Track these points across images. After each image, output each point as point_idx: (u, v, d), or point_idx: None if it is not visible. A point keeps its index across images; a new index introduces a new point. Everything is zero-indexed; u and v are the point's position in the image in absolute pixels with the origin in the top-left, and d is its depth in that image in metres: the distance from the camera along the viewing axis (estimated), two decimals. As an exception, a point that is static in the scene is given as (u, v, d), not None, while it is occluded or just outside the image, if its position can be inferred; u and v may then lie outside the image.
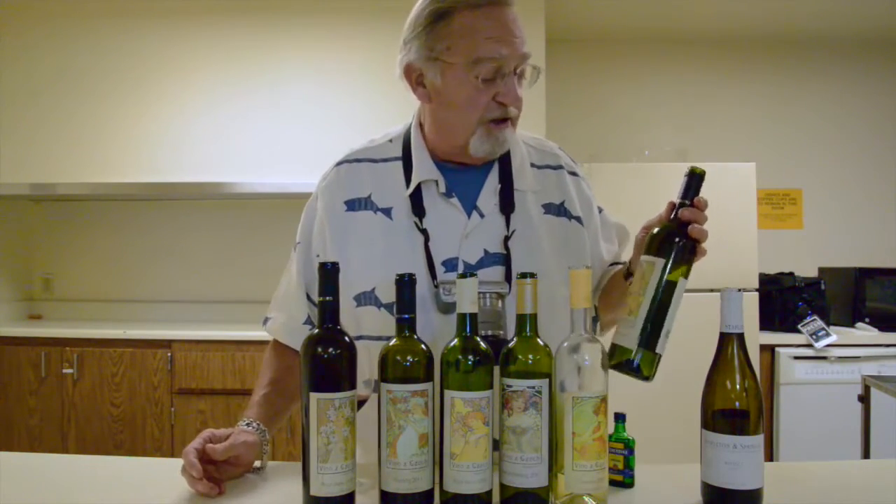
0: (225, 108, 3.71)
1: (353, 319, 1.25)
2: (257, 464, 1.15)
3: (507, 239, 1.23)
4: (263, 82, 3.71)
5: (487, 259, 1.22)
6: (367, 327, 1.25)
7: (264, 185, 3.53)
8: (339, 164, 1.33)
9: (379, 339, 1.23)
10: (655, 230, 1.07)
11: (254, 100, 3.70)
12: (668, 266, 1.04)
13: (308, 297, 1.31)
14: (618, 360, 1.04)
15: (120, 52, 3.74)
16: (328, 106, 3.69)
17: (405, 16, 1.24)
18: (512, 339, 1.00)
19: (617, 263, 1.37)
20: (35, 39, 3.76)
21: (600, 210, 1.39)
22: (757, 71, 4.36)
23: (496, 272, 1.22)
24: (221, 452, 1.06)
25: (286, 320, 1.34)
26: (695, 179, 1.08)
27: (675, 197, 1.09)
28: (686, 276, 1.05)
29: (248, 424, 1.16)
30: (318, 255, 1.30)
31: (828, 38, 4.31)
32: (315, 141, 3.64)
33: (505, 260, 1.22)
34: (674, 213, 1.08)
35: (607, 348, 1.03)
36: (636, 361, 1.03)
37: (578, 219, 1.31)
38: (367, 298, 1.24)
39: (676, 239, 1.05)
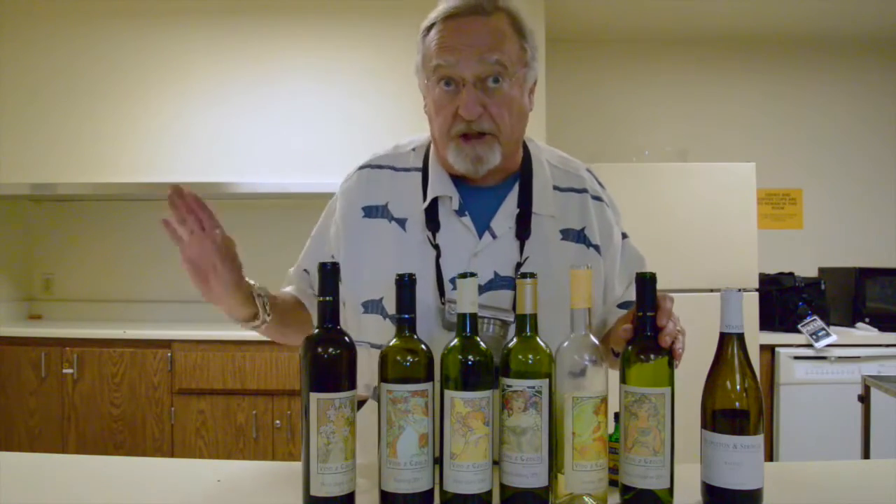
0: (225, 108, 3.71)
1: (356, 324, 1.25)
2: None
3: (519, 265, 1.21)
4: (263, 82, 3.70)
5: (497, 282, 1.21)
6: (371, 334, 1.25)
7: (264, 185, 3.53)
8: (361, 167, 1.33)
9: (380, 347, 1.22)
10: (631, 349, 1.00)
11: (254, 100, 3.70)
12: (674, 391, 0.99)
13: (306, 272, 1.37)
14: None
15: (120, 52, 3.74)
16: (329, 106, 3.68)
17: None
18: (512, 339, 1.00)
19: (629, 303, 1.32)
20: (35, 39, 3.76)
21: (625, 236, 1.35)
22: (757, 71, 4.36)
23: (504, 297, 1.20)
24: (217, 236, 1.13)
25: (289, 282, 1.40)
26: (647, 285, 1.01)
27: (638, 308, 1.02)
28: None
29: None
30: (332, 256, 1.31)
31: (828, 38, 4.31)
32: (315, 141, 3.64)
33: (514, 286, 1.20)
34: (643, 327, 1.01)
35: (621, 468, 0.99)
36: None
37: (597, 247, 1.28)
38: (374, 307, 1.24)
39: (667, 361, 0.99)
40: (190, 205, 1.11)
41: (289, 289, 1.38)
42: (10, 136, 3.72)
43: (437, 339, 1.16)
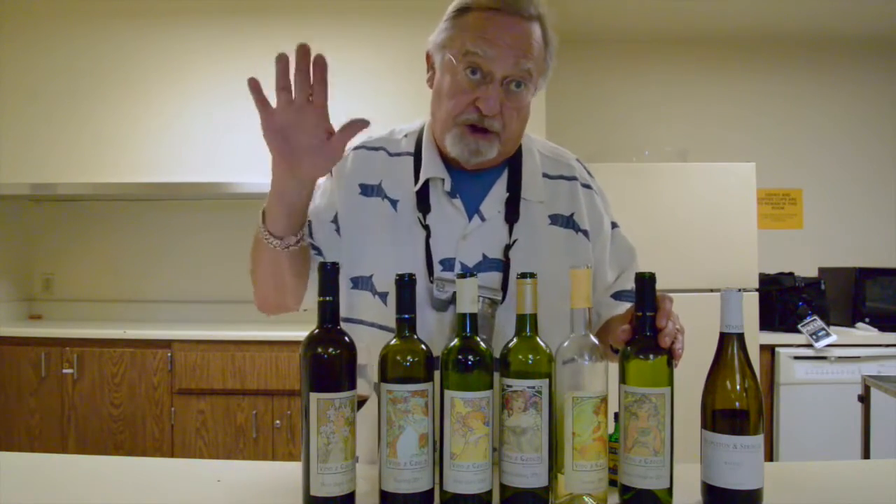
0: (225, 108, 3.70)
1: (344, 301, 1.24)
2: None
3: (508, 248, 1.23)
4: (263, 83, 3.69)
5: (486, 264, 1.22)
6: (360, 312, 1.26)
7: (265, 185, 3.51)
8: (356, 147, 1.33)
9: (372, 325, 1.24)
10: (630, 349, 1.00)
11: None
12: (673, 391, 0.99)
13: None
14: None
15: (120, 52, 3.74)
16: (328, 106, 3.68)
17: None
18: (512, 339, 1.00)
19: (621, 293, 1.33)
20: (35, 39, 3.76)
21: (615, 225, 1.37)
22: (757, 71, 4.36)
23: (493, 278, 1.22)
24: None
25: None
26: (647, 285, 1.01)
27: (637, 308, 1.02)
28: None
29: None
30: (336, 217, 1.28)
31: (828, 38, 4.31)
32: (315, 141, 3.63)
33: (503, 267, 1.22)
34: (642, 327, 1.00)
35: (624, 478, 0.99)
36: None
37: (585, 232, 1.30)
38: (364, 283, 1.25)
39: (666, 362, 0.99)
40: (312, 70, 1.02)
41: None
42: (10, 136, 3.72)
43: (426, 318, 1.18)
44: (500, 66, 1.16)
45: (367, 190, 1.28)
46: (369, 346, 1.20)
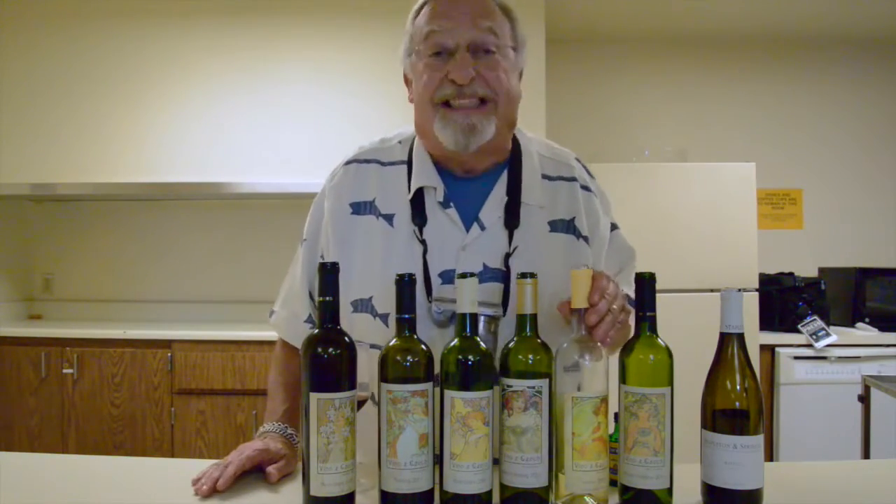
0: (225, 108, 3.71)
1: (346, 324, 1.22)
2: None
3: (508, 256, 1.19)
4: (263, 82, 3.70)
5: (486, 274, 1.18)
6: (361, 334, 1.21)
7: (264, 185, 3.53)
8: (348, 163, 1.30)
9: (372, 347, 1.20)
10: (630, 349, 1.01)
11: (254, 100, 3.70)
12: (673, 392, 0.99)
13: (311, 296, 1.30)
14: None
15: (120, 53, 3.74)
16: (328, 106, 3.69)
17: (405, 15, 1.25)
18: (512, 339, 1.00)
19: None
20: (35, 39, 3.76)
21: (615, 227, 1.34)
22: (757, 71, 4.36)
23: (493, 289, 1.18)
24: (277, 477, 1.10)
25: (288, 316, 1.34)
26: (647, 285, 1.01)
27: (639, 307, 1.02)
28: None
29: (296, 442, 1.22)
30: (321, 256, 1.29)
31: (828, 38, 4.31)
32: (315, 141, 3.64)
33: (504, 277, 1.18)
34: (642, 327, 1.01)
35: (621, 462, 0.99)
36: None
37: (586, 238, 1.27)
38: (363, 306, 1.22)
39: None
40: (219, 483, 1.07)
41: (279, 321, 1.36)
42: (10, 136, 3.72)
43: (428, 334, 1.14)
44: (460, 35, 1.15)
45: (360, 208, 1.25)
46: (372, 368, 1.18)
